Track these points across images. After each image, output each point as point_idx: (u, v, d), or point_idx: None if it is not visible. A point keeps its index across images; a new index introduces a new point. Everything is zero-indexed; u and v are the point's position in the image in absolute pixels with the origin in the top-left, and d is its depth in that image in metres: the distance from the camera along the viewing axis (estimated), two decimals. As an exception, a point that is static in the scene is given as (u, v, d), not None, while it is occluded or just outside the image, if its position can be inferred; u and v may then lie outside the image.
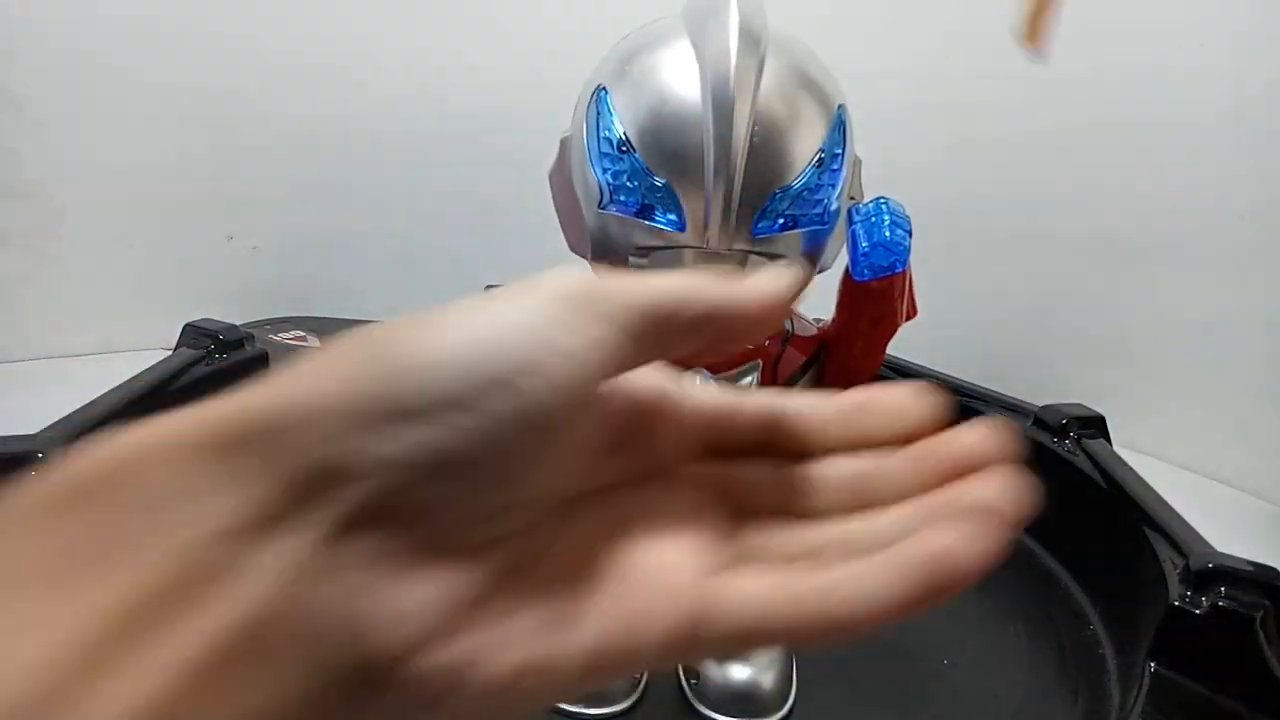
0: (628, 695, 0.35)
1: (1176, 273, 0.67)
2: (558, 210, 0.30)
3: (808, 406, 0.20)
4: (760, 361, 0.29)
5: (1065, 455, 0.51)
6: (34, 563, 0.13)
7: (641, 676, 0.36)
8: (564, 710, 0.34)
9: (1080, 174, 0.69)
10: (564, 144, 0.29)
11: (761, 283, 0.18)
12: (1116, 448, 0.52)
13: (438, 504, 0.15)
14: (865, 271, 0.25)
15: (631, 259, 0.27)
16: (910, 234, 0.26)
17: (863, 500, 0.19)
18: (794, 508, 0.19)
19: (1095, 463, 0.50)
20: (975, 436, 0.19)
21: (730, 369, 0.28)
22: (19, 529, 0.13)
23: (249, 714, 0.13)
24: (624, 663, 0.16)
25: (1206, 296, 0.66)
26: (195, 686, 0.13)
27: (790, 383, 0.30)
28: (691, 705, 0.35)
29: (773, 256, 0.26)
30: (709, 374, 0.28)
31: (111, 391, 0.47)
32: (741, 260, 0.26)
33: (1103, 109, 0.67)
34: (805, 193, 0.26)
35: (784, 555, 0.18)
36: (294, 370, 0.16)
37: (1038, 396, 0.57)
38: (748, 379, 0.28)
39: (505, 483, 0.15)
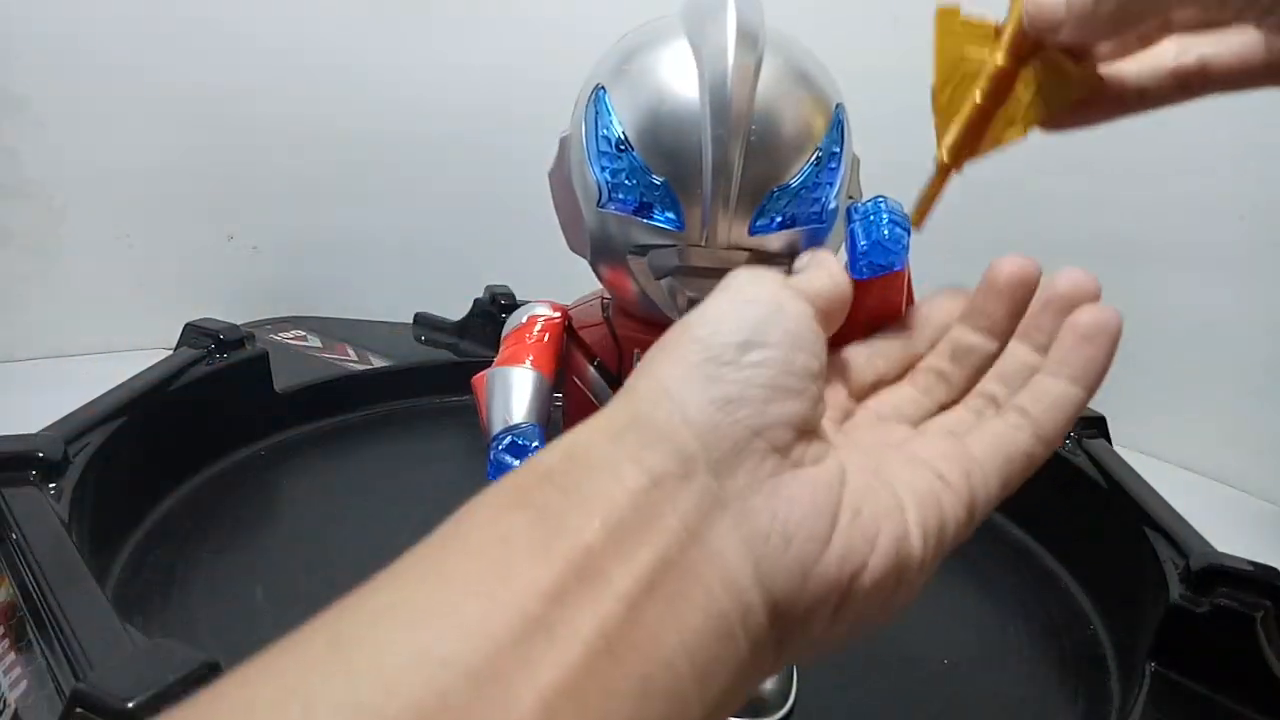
0: None
1: (1176, 273, 0.67)
2: (557, 209, 0.30)
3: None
4: None
5: (1066, 455, 0.51)
6: (484, 547, 0.16)
7: None
8: None
9: (1080, 174, 0.69)
10: (563, 143, 0.29)
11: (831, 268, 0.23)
12: (1117, 447, 0.52)
13: (784, 430, 0.19)
14: (864, 269, 0.25)
15: (629, 257, 0.27)
16: (909, 232, 0.26)
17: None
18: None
19: (1096, 462, 0.50)
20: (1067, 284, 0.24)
21: None
22: (481, 517, 0.17)
23: (691, 631, 0.16)
24: (940, 538, 0.20)
25: (1206, 296, 0.66)
26: (635, 614, 0.16)
27: None
28: None
29: (770, 255, 0.26)
30: None
31: (112, 391, 0.47)
32: (738, 259, 0.26)
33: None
34: (803, 191, 0.26)
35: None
36: (643, 369, 0.20)
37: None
38: None
39: (813, 407, 0.20)
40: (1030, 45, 0.22)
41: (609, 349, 0.30)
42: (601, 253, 0.28)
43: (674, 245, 0.26)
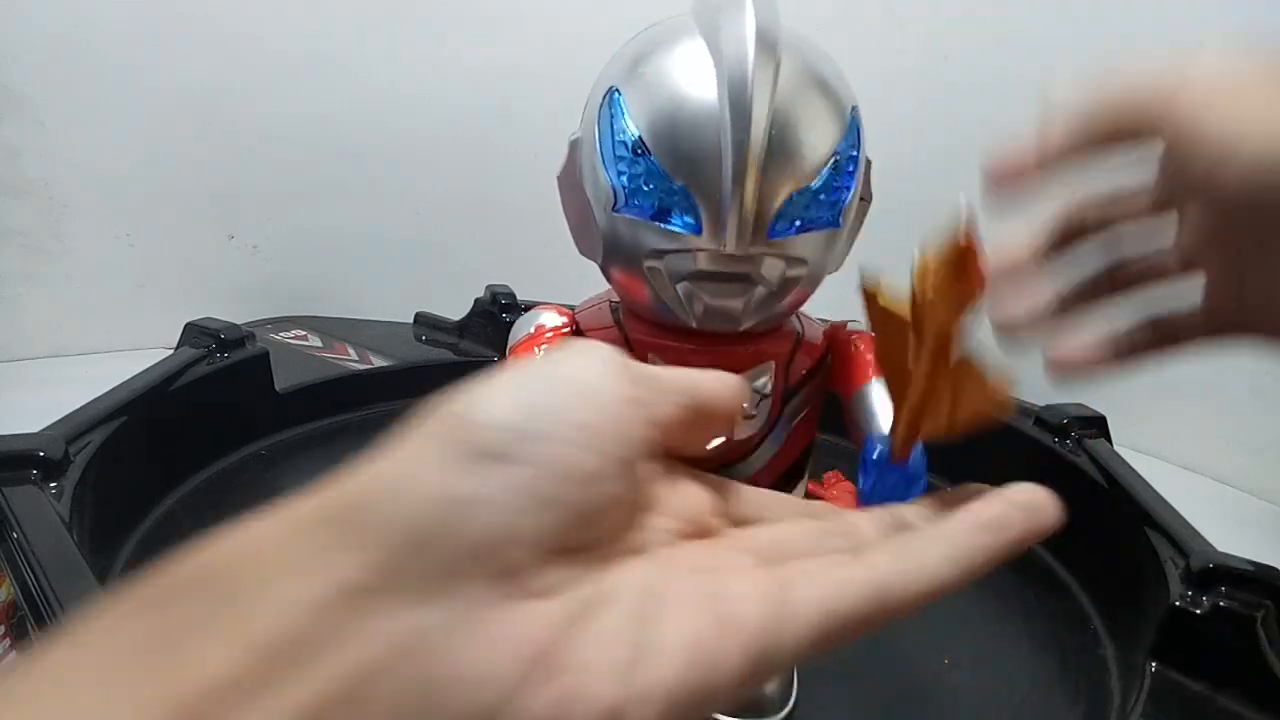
0: None
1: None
2: (566, 212, 0.30)
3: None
4: (773, 363, 0.29)
5: (1066, 455, 0.51)
6: (110, 658, 0.13)
7: None
8: None
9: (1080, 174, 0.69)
10: (573, 146, 0.28)
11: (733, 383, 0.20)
12: (1117, 447, 0.52)
13: (524, 550, 0.15)
14: (863, 500, 0.26)
15: (645, 262, 0.26)
16: (923, 489, 0.26)
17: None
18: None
19: (1096, 462, 0.50)
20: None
21: (744, 369, 0.28)
22: (105, 626, 0.14)
23: None
24: (707, 693, 0.16)
25: (1207, 296, 0.66)
26: None
27: (801, 383, 0.30)
28: None
29: (788, 259, 0.26)
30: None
31: (113, 390, 0.47)
32: (756, 263, 0.26)
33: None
34: (822, 194, 0.26)
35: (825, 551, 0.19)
36: (388, 450, 0.16)
37: (1039, 396, 0.57)
38: (762, 379, 0.28)
39: (579, 523, 0.16)
40: (942, 352, 0.22)
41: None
42: (614, 257, 0.28)
43: (691, 250, 0.26)
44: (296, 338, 0.68)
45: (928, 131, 0.69)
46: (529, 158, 0.64)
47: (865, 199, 0.28)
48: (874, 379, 0.30)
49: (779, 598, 0.17)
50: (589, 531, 0.16)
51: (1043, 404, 0.55)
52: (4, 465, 0.39)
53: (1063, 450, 0.51)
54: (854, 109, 0.27)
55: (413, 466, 0.15)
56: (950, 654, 0.41)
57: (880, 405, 0.28)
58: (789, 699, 0.36)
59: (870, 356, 0.30)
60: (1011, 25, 0.68)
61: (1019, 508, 0.20)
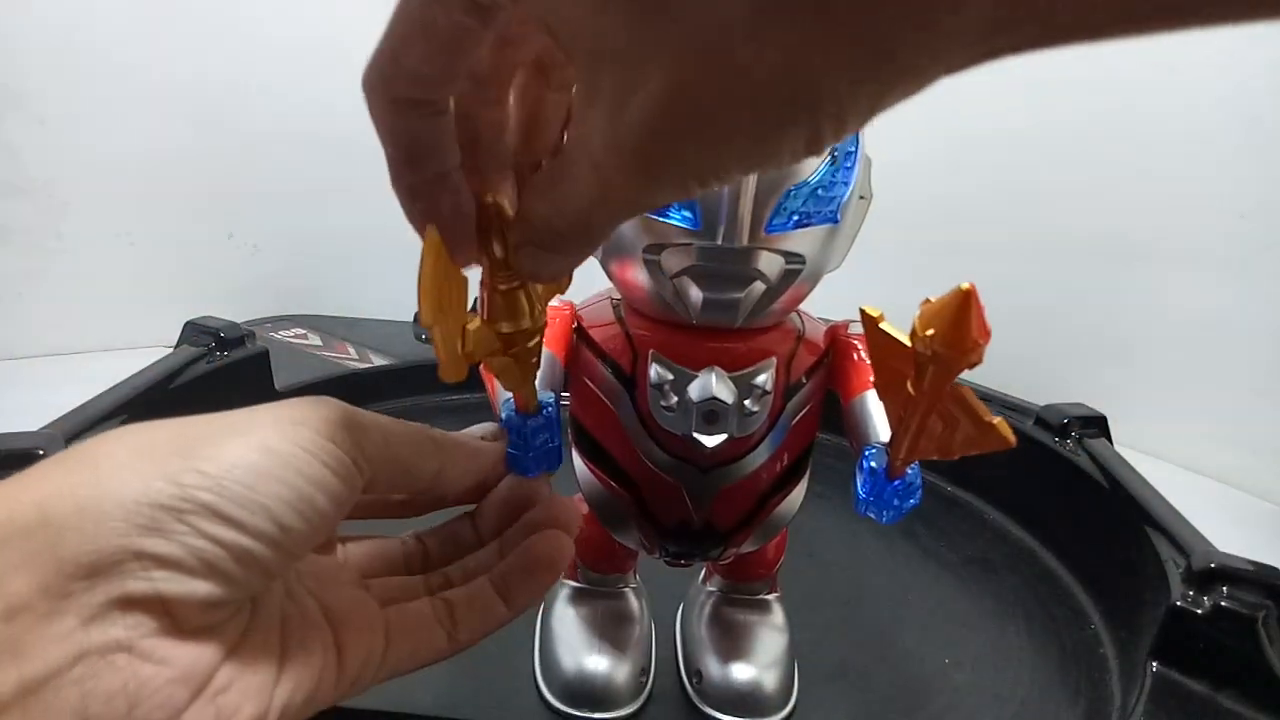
0: (634, 699, 0.35)
1: (1177, 272, 0.67)
2: None
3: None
4: (775, 359, 0.29)
5: (1067, 455, 0.51)
6: None
7: (648, 680, 0.36)
8: (572, 715, 0.34)
9: (1081, 174, 0.69)
10: None
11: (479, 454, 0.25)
12: (1118, 447, 0.52)
13: (193, 595, 0.17)
14: (860, 510, 0.26)
15: (643, 256, 0.26)
16: (917, 501, 0.26)
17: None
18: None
19: (1097, 462, 0.50)
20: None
21: (746, 366, 0.28)
22: None
23: None
24: (330, 696, 0.20)
25: (1207, 296, 0.66)
26: None
27: (802, 381, 0.30)
28: (696, 706, 0.35)
29: (786, 254, 0.26)
30: (724, 371, 0.28)
31: (112, 389, 0.47)
32: (754, 257, 0.26)
33: (1104, 108, 0.67)
34: (820, 189, 0.26)
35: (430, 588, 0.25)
36: (93, 462, 0.18)
37: (1039, 396, 0.57)
38: (763, 376, 0.28)
39: (255, 576, 0.18)
40: (940, 390, 0.22)
41: (623, 350, 0.29)
42: (613, 252, 0.28)
43: (689, 244, 0.26)
44: (296, 336, 0.68)
45: (927, 131, 0.69)
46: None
47: (865, 197, 0.28)
48: (874, 387, 0.30)
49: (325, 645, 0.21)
50: (248, 590, 0.18)
51: (1043, 404, 0.55)
52: (4, 464, 0.39)
53: (1063, 450, 0.51)
54: None
55: (108, 489, 0.17)
56: (950, 654, 0.41)
57: (879, 414, 0.28)
58: (790, 698, 0.36)
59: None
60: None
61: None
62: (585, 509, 0.35)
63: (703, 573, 0.39)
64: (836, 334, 0.30)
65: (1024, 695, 0.39)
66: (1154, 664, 0.36)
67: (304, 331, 0.69)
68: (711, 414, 0.28)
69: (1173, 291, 0.68)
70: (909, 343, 0.22)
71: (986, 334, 0.21)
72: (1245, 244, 0.64)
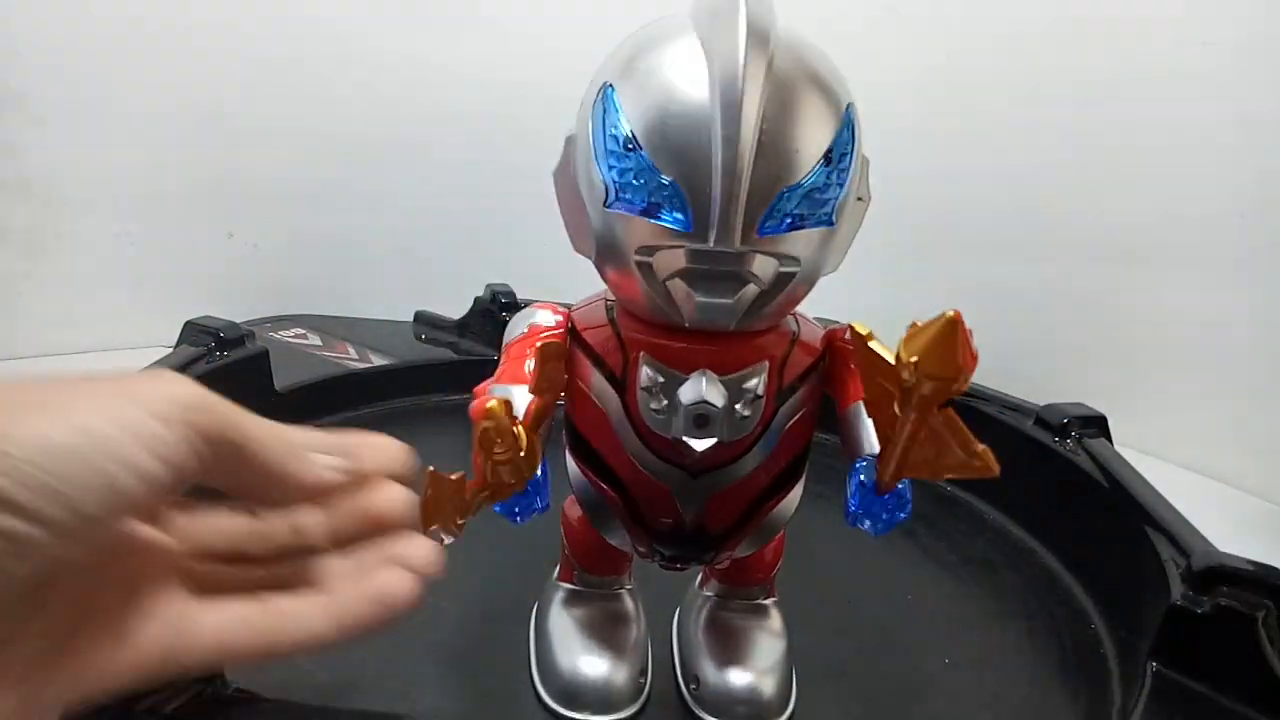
0: (632, 702, 0.35)
1: (1177, 272, 0.67)
2: (562, 210, 0.30)
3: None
4: (767, 363, 0.29)
5: (1067, 454, 0.51)
6: None
7: (646, 683, 0.36)
8: (571, 718, 0.34)
9: (1082, 174, 0.69)
10: (569, 143, 0.28)
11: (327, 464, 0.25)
12: (1118, 447, 0.52)
13: None
14: (850, 521, 0.27)
15: (636, 258, 0.26)
16: (907, 515, 0.27)
17: (307, 547, 0.26)
18: (252, 552, 0.25)
19: (1096, 462, 0.50)
20: (391, 496, 0.26)
21: (738, 369, 0.28)
22: None
23: None
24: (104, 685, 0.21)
25: (1207, 296, 0.66)
26: None
27: (795, 385, 0.30)
28: (692, 712, 0.35)
29: (780, 256, 0.26)
30: (715, 375, 0.28)
31: (112, 389, 0.47)
32: (746, 260, 0.26)
33: (1104, 109, 0.67)
34: (814, 192, 0.25)
35: (248, 587, 0.24)
36: None
37: (1039, 395, 0.57)
38: (755, 379, 0.28)
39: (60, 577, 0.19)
40: (926, 414, 0.22)
41: (614, 352, 0.29)
42: (607, 254, 0.27)
43: (682, 246, 0.26)
44: (296, 336, 0.68)
45: (928, 131, 0.69)
46: (529, 158, 0.64)
47: (862, 199, 0.28)
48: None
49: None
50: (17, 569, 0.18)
51: (1043, 404, 0.55)
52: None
53: (1063, 450, 0.51)
54: (849, 106, 0.27)
55: None
56: (950, 654, 0.41)
57: (872, 425, 0.29)
58: (788, 703, 0.36)
59: None
60: (1014, 25, 0.68)
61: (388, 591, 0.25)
62: (578, 512, 0.35)
63: (699, 577, 0.39)
64: (833, 339, 0.30)
65: (1024, 695, 0.39)
66: (1153, 664, 0.36)
67: (304, 331, 0.69)
68: (701, 418, 0.28)
69: (1173, 291, 0.68)
70: (896, 368, 0.22)
71: (973, 361, 0.21)
72: (1245, 244, 0.64)
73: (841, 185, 0.26)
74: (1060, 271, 0.72)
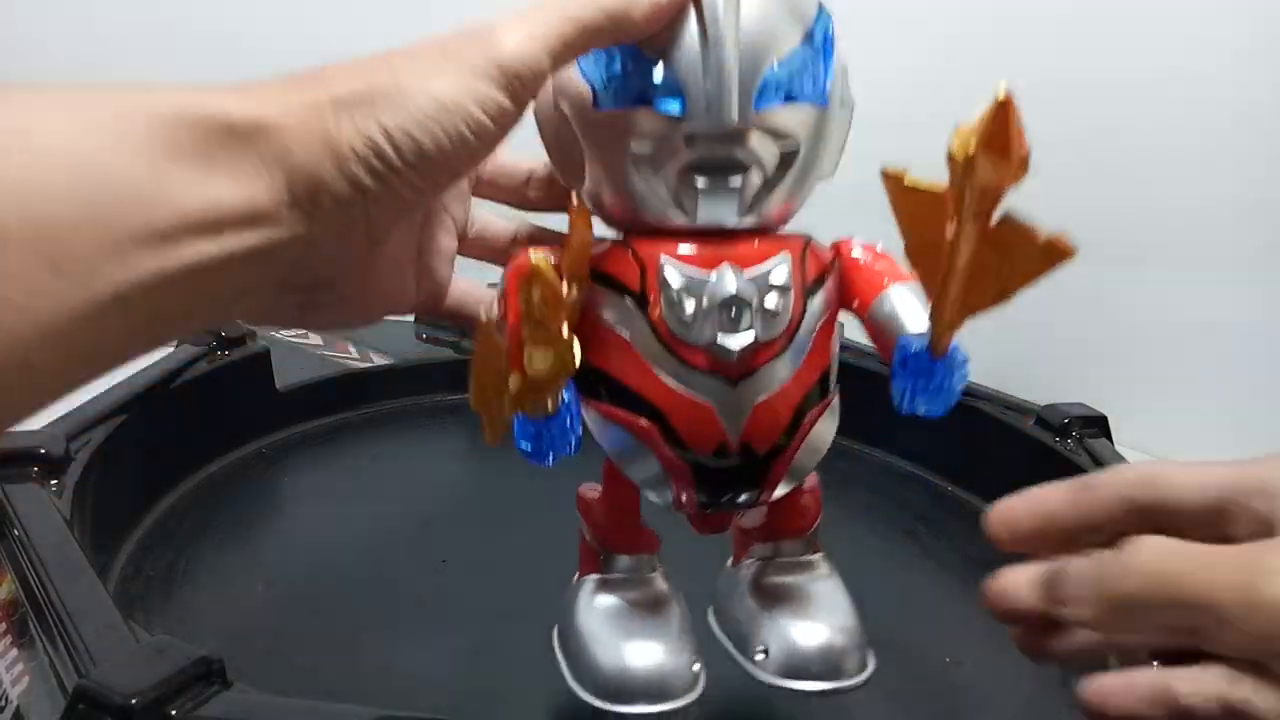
0: (690, 689, 0.31)
1: (1178, 272, 0.67)
2: (546, 144, 0.30)
3: None
4: (788, 252, 0.27)
5: (1067, 455, 0.51)
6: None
7: (699, 673, 0.32)
8: (623, 713, 0.30)
9: (1082, 174, 0.69)
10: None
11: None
12: (1119, 447, 0.52)
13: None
14: (905, 406, 0.26)
15: (633, 150, 0.26)
16: (966, 376, 0.26)
17: None
18: None
19: (1098, 462, 0.50)
20: None
21: (759, 262, 0.27)
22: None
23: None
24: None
25: (1208, 296, 0.66)
26: None
27: (818, 283, 0.29)
28: (761, 683, 0.32)
29: (777, 135, 0.26)
30: (738, 267, 0.27)
31: (114, 387, 0.47)
32: (745, 138, 0.25)
33: (1104, 109, 0.67)
34: (802, 65, 0.26)
35: None
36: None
37: (1040, 396, 0.57)
38: (779, 270, 0.27)
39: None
40: (986, 215, 0.22)
41: (629, 267, 0.27)
42: (602, 166, 0.27)
43: (678, 136, 0.25)
44: (297, 336, 0.68)
45: (929, 132, 0.69)
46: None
47: (846, 104, 0.28)
48: (892, 284, 0.29)
49: None
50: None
51: (1043, 404, 0.55)
52: (5, 462, 0.39)
53: (1063, 450, 0.51)
54: (823, 8, 0.27)
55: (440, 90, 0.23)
56: (952, 653, 0.41)
57: (906, 307, 0.28)
58: (867, 662, 0.34)
59: (882, 265, 0.29)
60: (1013, 25, 0.68)
61: None
62: (597, 492, 0.33)
63: (730, 560, 0.36)
64: (840, 249, 0.30)
65: (1024, 695, 0.39)
66: (1154, 664, 0.36)
67: (304, 330, 0.69)
68: (735, 310, 0.26)
69: (1173, 291, 0.68)
70: (948, 172, 0.21)
71: (1025, 142, 0.21)
72: (1247, 244, 0.64)
73: (827, 67, 0.26)
74: (1062, 271, 0.72)
